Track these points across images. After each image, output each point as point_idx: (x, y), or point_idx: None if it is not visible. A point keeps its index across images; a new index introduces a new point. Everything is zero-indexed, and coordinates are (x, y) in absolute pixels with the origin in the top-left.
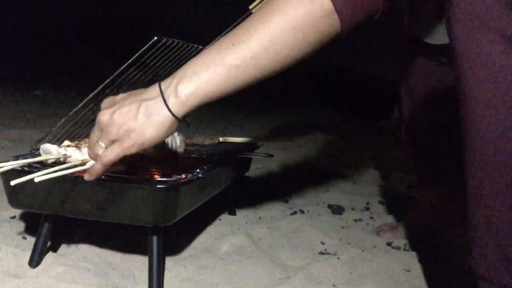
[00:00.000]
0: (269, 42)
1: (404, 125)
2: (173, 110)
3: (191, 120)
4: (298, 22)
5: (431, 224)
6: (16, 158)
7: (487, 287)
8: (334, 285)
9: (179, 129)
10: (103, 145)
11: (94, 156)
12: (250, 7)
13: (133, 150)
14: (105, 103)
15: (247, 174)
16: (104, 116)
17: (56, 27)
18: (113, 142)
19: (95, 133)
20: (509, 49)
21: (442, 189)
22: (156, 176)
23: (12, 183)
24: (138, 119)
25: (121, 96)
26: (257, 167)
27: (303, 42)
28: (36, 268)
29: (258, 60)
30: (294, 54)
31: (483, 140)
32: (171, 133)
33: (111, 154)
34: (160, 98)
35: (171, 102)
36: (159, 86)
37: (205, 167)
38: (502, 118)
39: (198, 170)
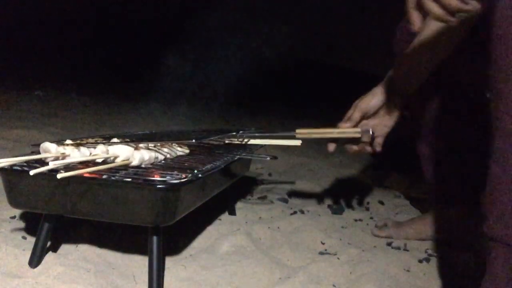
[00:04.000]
0: None
1: (419, 143)
2: None
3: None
4: None
5: (446, 241)
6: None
7: (502, 248)
8: (334, 285)
9: None
10: None
11: None
12: None
13: None
14: None
15: (247, 174)
16: None
17: (56, 27)
18: None
19: None
20: None
21: (460, 208)
22: (156, 176)
23: (31, 172)
24: None
25: None
26: (257, 167)
27: None
28: (36, 268)
29: None
30: None
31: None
32: None
33: None
34: None
35: None
36: None
37: (205, 167)
38: None
39: (198, 170)
